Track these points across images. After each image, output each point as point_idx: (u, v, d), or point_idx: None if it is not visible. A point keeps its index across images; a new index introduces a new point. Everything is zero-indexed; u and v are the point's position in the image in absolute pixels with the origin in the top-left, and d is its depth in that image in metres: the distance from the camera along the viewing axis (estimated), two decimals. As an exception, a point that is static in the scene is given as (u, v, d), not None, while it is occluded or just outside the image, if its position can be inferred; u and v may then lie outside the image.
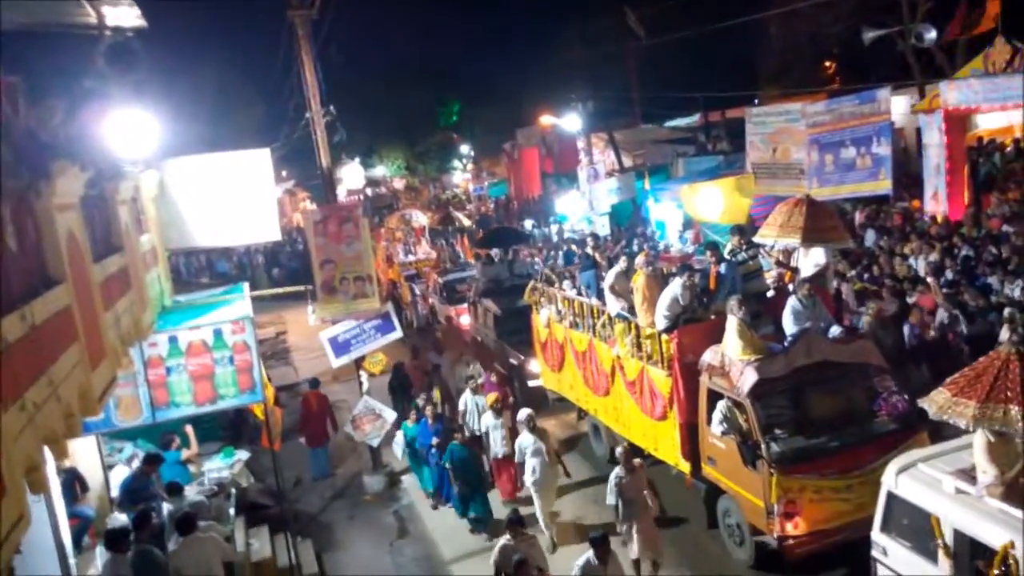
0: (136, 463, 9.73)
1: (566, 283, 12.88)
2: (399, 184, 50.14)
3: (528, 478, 9.99)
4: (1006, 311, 10.45)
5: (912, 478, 6.79)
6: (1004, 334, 9.81)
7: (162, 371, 8.32)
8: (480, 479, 10.83)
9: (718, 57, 31.72)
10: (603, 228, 23.50)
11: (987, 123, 20.27)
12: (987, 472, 6.19)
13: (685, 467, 9.45)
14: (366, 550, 10.93)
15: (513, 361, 14.51)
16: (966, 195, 17.61)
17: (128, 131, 7.63)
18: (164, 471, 9.60)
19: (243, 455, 11.41)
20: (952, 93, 17.06)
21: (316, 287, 12.32)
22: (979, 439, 6.29)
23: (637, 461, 8.88)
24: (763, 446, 8.18)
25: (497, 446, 10.95)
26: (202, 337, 8.48)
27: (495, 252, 19.63)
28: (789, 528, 8.01)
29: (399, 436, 12.02)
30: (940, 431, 7.58)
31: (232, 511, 9.62)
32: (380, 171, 53.14)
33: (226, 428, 12.55)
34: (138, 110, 7.90)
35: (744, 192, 20.46)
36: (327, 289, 12.35)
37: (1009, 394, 5.73)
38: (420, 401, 12.14)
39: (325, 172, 13.78)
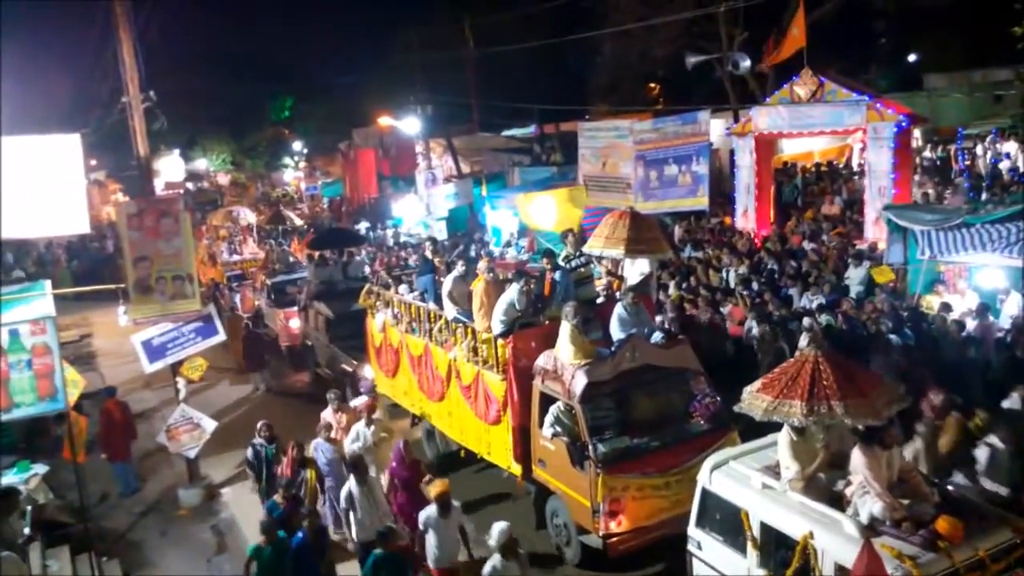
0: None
1: (403, 287, 12.74)
2: (224, 179, 47.67)
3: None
4: (804, 320, 11.48)
5: (724, 475, 7.17)
6: (803, 341, 10.77)
7: (-55, 377, 7.39)
8: None
9: (554, 71, 32.75)
10: (440, 233, 23.52)
11: (791, 148, 22.27)
12: (789, 468, 6.64)
13: (517, 470, 9.59)
14: (180, 568, 10.21)
15: (346, 367, 14.15)
16: (772, 213, 19.26)
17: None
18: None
19: (40, 469, 10.34)
20: (762, 119, 18.63)
21: (129, 286, 11.41)
22: (783, 438, 6.76)
23: (456, 504, 8.01)
24: (590, 447, 8.46)
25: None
26: (-6, 339, 7.61)
27: (328, 254, 19.10)
28: (613, 526, 8.32)
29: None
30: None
31: (27, 530, 8.68)
32: (204, 165, 50.26)
33: (24, 439, 11.34)
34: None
35: (576, 202, 21.21)
36: (141, 288, 11.48)
37: (828, 391, 6.19)
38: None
39: (142, 162, 12.76)
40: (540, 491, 9.41)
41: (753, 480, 6.89)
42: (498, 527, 6.96)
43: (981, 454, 7.61)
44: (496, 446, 9.94)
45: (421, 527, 7.99)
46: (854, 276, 13.61)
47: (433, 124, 27.81)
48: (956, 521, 5.81)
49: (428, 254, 13.38)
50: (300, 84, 46.32)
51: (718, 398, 9.14)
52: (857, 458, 6.26)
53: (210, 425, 11.85)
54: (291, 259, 21.62)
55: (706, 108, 20.52)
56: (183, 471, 12.21)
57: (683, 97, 28.30)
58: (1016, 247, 11.15)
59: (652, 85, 37.10)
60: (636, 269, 11.24)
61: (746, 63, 22.64)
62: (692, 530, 7.47)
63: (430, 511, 7.91)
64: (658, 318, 11.36)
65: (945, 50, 32.46)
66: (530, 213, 21.62)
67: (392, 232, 26.15)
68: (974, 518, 6.05)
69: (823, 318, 11.63)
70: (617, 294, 10.36)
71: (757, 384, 6.75)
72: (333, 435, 10.31)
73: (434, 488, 7.98)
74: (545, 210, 21.41)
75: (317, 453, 10.02)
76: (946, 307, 11.28)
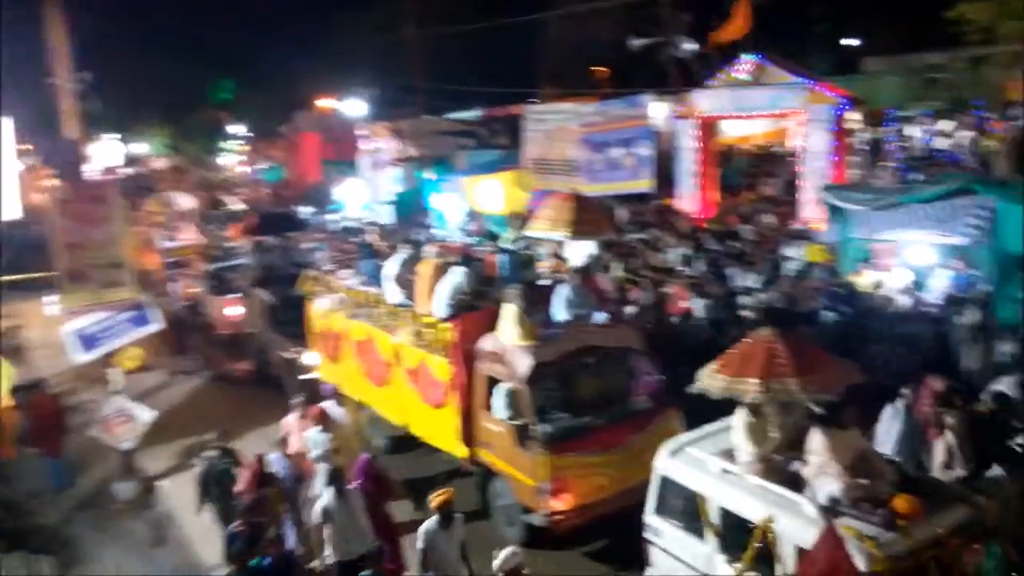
0: None
1: (345, 271, 12.55)
2: (162, 164, 46.29)
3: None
4: (744, 299, 11.69)
5: (681, 461, 7.10)
6: (742, 320, 10.95)
7: None
8: None
9: (501, 54, 32.52)
10: (385, 217, 23.25)
11: (734, 130, 22.54)
12: (746, 450, 6.61)
13: (462, 452, 9.57)
14: (117, 563, 9.93)
15: (286, 354, 13.90)
16: (714, 195, 19.52)
17: None
18: None
19: (-36, 465, 9.94)
20: (705, 102, 18.83)
21: (60, 274, 11.00)
22: (739, 419, 6.72)
23: (458, 515, 7.31)
24: (536, 427, 8.48)
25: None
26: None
27: (270, 239, 18.72)
28: (557, 504, 8.37)
29: None
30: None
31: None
32: (139, 149, 48.74)
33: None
34: None
35: (523, 186, 21.22)
36: (73, 276, 11.13)
37: (783, 368, 6.23)
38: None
39: (74, 146, 12.30)
40: (485, 473, 9.42)
41: (711, 465, 6.85)
42: (507, 552, 6.37)
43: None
44: (441, 430, 9.89)
45: (420, 543, 7.03)
46: (791, 255, 13.89)
47: (378, 107, 27.44)
48: (913, 499, 5.81)
49: (371, 238, 13.20)
50: (242, 66, 45.12)
51: (660, 376, 9.26)
52: (815, 438, 6.25)
53: (147, 416, 11.53)
54: (231, 245, 21.10)
55: (650, 91, 20.66)
56: (120, 464, 11.86)
57: (629, 80, 28.39)
58: (945, 225, 11.51)
59: (598, 68, 37.17)
60: (580, 251, 11.29)
61: (690, 46, 22.83)
62: (649, 517, 7.38)
63: (430, 524, 7.06)
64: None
65: (882, 34, 33.25)
66: (477, 196, 21.55)
67: (336, 216, 25.75)
68: (931, 495, 6.07)
69: (762, 296, 11.85)
70: (561, 276, 10.38)
71: (714, 364, 6.73)
72: (292, 447, 9.41)
73: (437, 497, 7.12)
74: (492, 193, 21.38)
75: (275, 467, 8.93)
76: (878, 284, 11.59)
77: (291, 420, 9.78)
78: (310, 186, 32.14)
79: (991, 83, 22.02)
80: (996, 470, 7.07)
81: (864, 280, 12.36)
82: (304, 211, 26.85)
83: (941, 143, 21.65)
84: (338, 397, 10.40)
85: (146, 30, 41.69)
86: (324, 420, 9.33)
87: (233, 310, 16.40)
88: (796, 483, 6.34)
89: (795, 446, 6.58)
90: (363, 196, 25.51)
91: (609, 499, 8.48)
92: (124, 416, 11.38)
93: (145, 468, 11.93)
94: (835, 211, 13.40)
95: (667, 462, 7.21)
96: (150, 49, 41.96)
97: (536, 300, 9.82)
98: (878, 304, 11.22)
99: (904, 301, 11.39)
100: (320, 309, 12.63)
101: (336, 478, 7.83)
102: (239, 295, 16.46)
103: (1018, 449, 7.28)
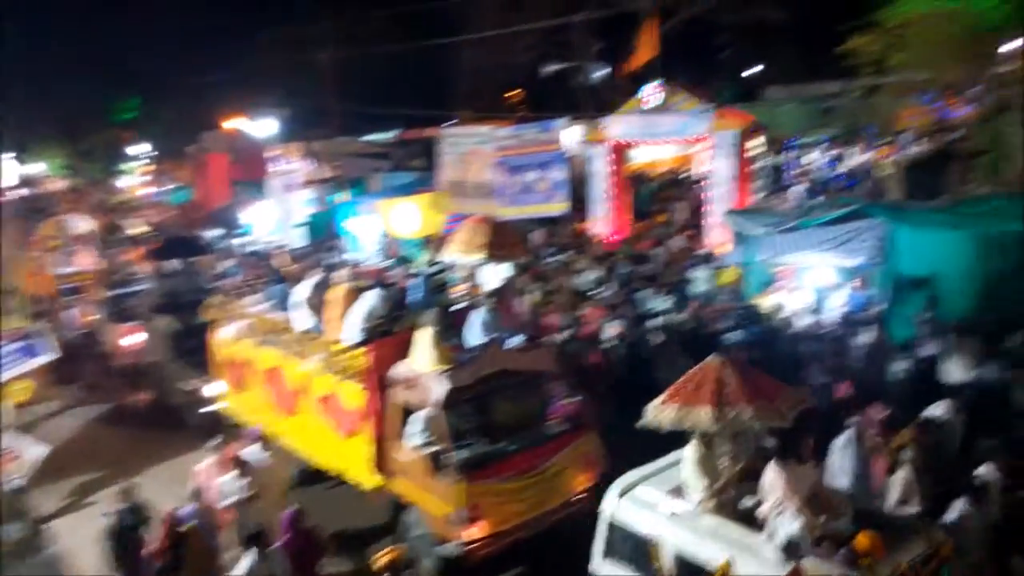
0: None
1: (252, 297, 12.16)
2: (59, 185, 44.13)
3: None
4: (655, 321, 11.90)
5: (630, 502, 6.76)
6: (652, 342, 11.16)
7: None
8: None
9: (417, 77, 32.53)
10: (297, 240, 22.74)
11: (644, 155, 23.11)
12: (698, 486, 6.37)
13: (374, 483, 9.34)
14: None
15: (189, 384, 13.35)
16: (626, 218, 19.92)
17: None
18: None
19: None
20: (616, 127, 19.23)
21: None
22: (689, 453, 6.48)
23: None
24: (450, 455, 8.36)
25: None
26: None
27: (173, 263, 18.03)
28: (472, 533, 8.24)
29: None
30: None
31: None
32: (35, 169, 46.35)
33: None
34: None
35: (439, 209, 21.14)
36: (-46, 304, 10.36)
37: (735, 396, 6.09)
38: None
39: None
40: (397, 504, 9.21)
41: (662, 506, 6.54)
42: None
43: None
44: (352, 460, 9.63)
45: None
46: (699, 278, 14.26)
47: (290, 127, 26.93)
48: (875, 536, 5.62)
49: (279, 262, 12.85)
50: (147, 83, 43.56)
51: (577, 399, 9.29)
52: (772, 474, 6.03)
53: (38, 452, 10.83)
54: (132, 270, 20.24)
55: (564, 116, 21.00)
56: (7, 504, 11.08)
57: (543, 104, 28.84)
58: (843, 247, 12.03)
59: (513, 92, 37.61)
60: (495, 275, 11.28)
61: (600, 72, 23.36)
62: (597, 563, 6.96)
63: None
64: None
65: (783, 64, 34.86)
66: (392, 219, 21.33)
67: (243, 240, 25.03)
68: (889, 530, 5.91)
69: (673, 318, 12.09)
70: (476, 299, 10.33)
71: (660, 397, 6.50)
72: (208, 497, 8.55)
73: (383, 557, 6.62)
74: (408, 216, 21.21)
75: (189, 522, 8.09)
76: (780, 306, 12.00)
77: (205, 466, 8.93)
78: (218, 208, 31.18)
79: (883, 112, 23.34)
80: (957, 505, 6.70)
81: (768, 302, 12.78)
82: (211, 234, 26.03)
83: (838, 169, 22.80)
84: (263, 440, 9.45)
85: (45, 45, 39.92)
86: (239, 465, 8.62)
87: (132, 338, 15.71)
88: (751, 520, 6.15)
89: (746, 478, 6.43)
90: (273, 219, 24.87)
91: (525, 524, 8.41)
92: (12, 452, 10.69)
93: (35, 508, 11.20)
94: (739, 234, 13.84)
95: (615, 504, 6.84)
96: (49, 65, 40.14)
97: (451, 324, 9.74)
98: (781, 325, 11.61)
99: (806, 322, 11.82)
100: (226, 336, 12.18)
101: (256, 538, 7.14)
102: (139, 322, 15.79)
103: (975, 482, 6.92)
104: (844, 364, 10.50)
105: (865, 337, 10.78)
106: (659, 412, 6.39)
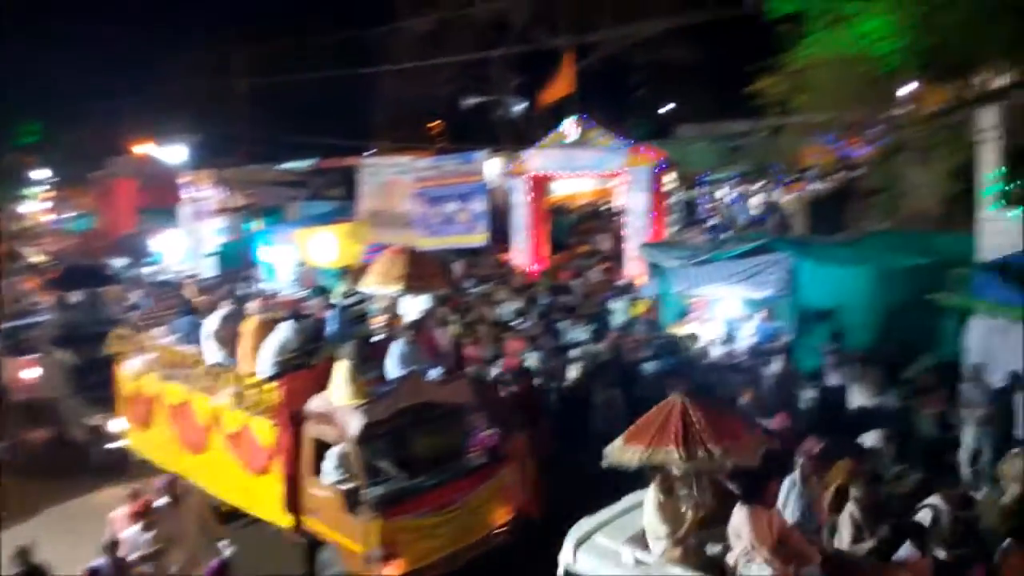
0: None
1: (160, 329, 11.67)
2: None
3: None
4: (574, 352, 12.00)
5: (589, 553, 6.48)
6: (572, 373, 11.24)
7: None
8: None
9: (336, 106, 32.24)
10: (208, 270, 22.03)
11: (563, 188, 23.54)
12: (660, 534, 6.12)
13: (286, 521, 9.01)
14: None
15: (90, 421, 12.67)
16: (546, 250, 20.14)
17: None
18: None
19: None
20: (535, 160, 19.50)
21: None
22: (650, 499, 6.25)
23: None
24: (366, 491, 8.15)
25: None
26: None
27: (75, 294, 17.18)
28: (389, 571, 8.03)
29: None
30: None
31: None
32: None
33: None
34: None
35: (358, 238, 20.89)
36: None
37: (703, 435, 5.84)
38: None
39: None
40: (312, 542, 8.91)
41: (624, 556, 6.24)
42: None
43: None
44: (264, 498, 9.28)
45: None
46: (617, 309, 14.50)
47: (202, 154, 26.21)
48: None
49: (188, 293, 12.40)
50: (50, 107, 41.65)
51: (496, 431, 9.23)
52: (739, 519, 5.83)
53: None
54: (31, 300, 19.18)
55: (484, 148, 21.19)
56: None
57: (463, 136, 29.02)
58: (751, 280, 12.46)
59: (433, 124, 37.72)
60: (414, 306, 11.17)
61: (519, 107, 23.71)
62: None
63: None
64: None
65: (694, 103, 36.16)
66: (310, 249, 20.95)
67: (151, 269, 24.12)
68: (856, 572, 5.81)
69: (591, 349, 12.22)
70: (395, 331, 10.19)
71: (620, 438, 6.25)
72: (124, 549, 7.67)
73: None
74: (325, 246, 20.87)
75: None
76: (694, 336, 12.30)
77: (120, 515, 8.08)
78: (124, 236, 29.99)
79: (788, 150, 24.42)
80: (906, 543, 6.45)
81: (682, 332, 13.08)
82: (116, 263, 24.99)
83: (746, 205, 23.70)
84: (171, 488, 8.48)
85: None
86: (147, 515, 7.86)
87: (29, 372, 14.84)
88: (719, 569, 5.92)
89: (708, 524, 6.24)
90: (184, 247, 24.07)
91: (442, 560, 8.26)
92: None
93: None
94: (655, 267, 14.16)
95: (573, 556, 6.55)
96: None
97: (371, 357, 9.57)
98: (695, 355, 11.89)
99: (717, 352, 12.14)
100: (131, 371, 11.62)
101: None
102: (37, 355, 14.94)
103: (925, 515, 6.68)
104: (760, 395, 10.80)
105: (774, 367, 11.14)
106: (622, 453, 6.12)
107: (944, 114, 16.32)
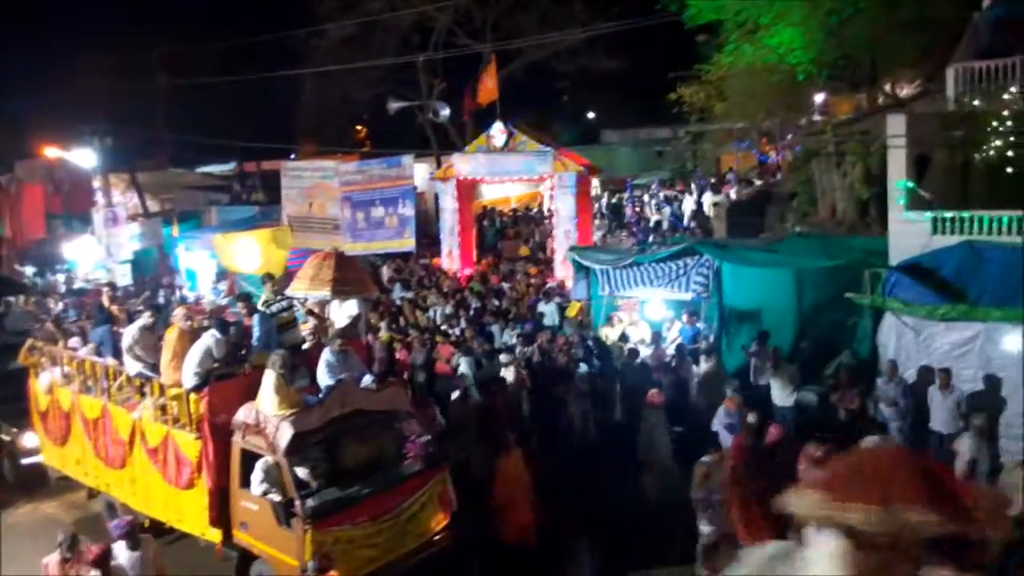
0: None
1: (74, 340, 11.16)
2: None
3: None
4: (504, 356, 12.02)
5: None
6: (509, 375, 11.27)
7: None
8: None
9: (257, 108, 31.52)
10: (124, 277, 21.16)
11: (491, 193, 23.61)
12: None
13: (215, 536, 8.74)
14: None
15: (2, 436, 12.03)
16: (474, 254, 20.16)
17: None
18: None
19: None
20: (463, 165, 19.49)
21: None
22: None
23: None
24: (298, 503, 7.98)
25: None
26: None
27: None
28: (324, 583, 7.89)
29: None
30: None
31: None
32: None
33: None
34: None
35: (281, 244, 20.43)
36: None
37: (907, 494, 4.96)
38: None
39: None
40: (243, 557, 8.66)
41: None
42: None
43: None
44: (189, 512, 8.99)
45: None
46: (546, 311, 14.62)
47: (115, 157, 25.12)
48: None
49: (105, 301, 11.89)
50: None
51: (430, 438, 9.17)
52: None
53: None
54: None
55: (410, 153, 21.04)
56: None
57: (388, 141, 28.77)
58: (676, 282, 12.75)
59: (358, 128, 37.28)
60: (344, 312, 10.98)
61: (445, 111, 23.66)
62: None
63: None
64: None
65: (618, 110, 36.86)
66: (231, 255, 20.38)
67: (65, 277, 23.03)
68: None
69: (522, 351, 12.28)
70: (324, 339, 10.01)
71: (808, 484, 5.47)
72: None
73: None
74: (247, 252, 20.32)
75: None
76: (624, 337, 12.50)
77: (52, 562, 7.16)
78: (33, 243, 28.55)
79: (708, 156, 25.16)
80: None
81: (611, 334, 13.28)
82: (25, 271, 23.79)
83: (669, 209, 24.27)
84: (131, 535, 7.52)
85: None
86: (103, 565, 6.90)
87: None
88: None
89: None
90: (97, 254, 23.04)
91: (381, 570, 8.15)
92: None
93: None
94: (582, 269, 14.35)
95: None
96: None
97: (298, 365, 9.37)
98: (624, 356, 12.08)
99: (645, 353, 12.37)
100: (44, 383, 11.09)
101: None
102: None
103: None
104: (684, 392, 11.02)
105: (702, 367, 11.41)
106: (807, 503, 5.41)
107: (854, 122, 17.15)
